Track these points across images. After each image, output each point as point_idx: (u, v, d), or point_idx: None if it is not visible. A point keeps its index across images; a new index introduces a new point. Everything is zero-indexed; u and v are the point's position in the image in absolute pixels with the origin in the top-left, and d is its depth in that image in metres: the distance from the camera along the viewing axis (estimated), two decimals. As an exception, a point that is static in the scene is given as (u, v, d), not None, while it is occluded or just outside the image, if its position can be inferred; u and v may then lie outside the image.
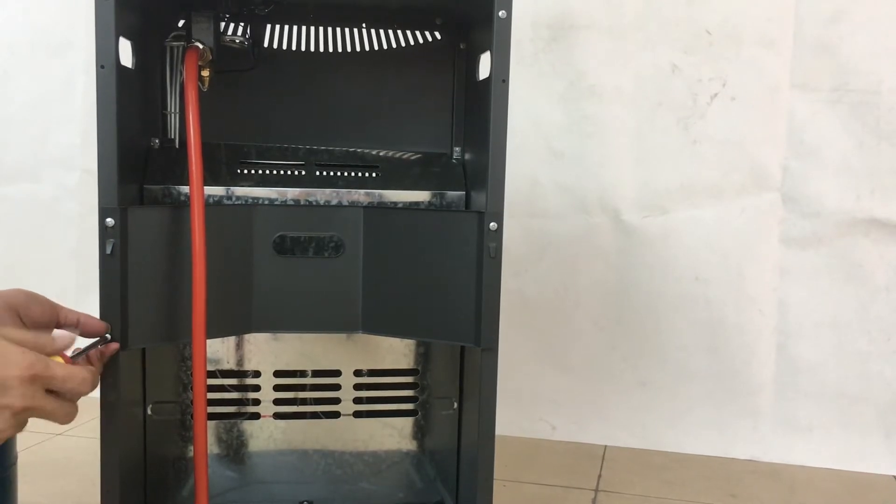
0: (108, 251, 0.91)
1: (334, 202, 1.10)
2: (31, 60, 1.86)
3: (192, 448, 1.15)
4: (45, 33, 1.85)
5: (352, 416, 1.19)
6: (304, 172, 1.11)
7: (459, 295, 1.01)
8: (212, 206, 1.07)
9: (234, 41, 1.08)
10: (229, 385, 1.15)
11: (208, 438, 1.16)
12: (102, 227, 0.92)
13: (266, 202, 1.08)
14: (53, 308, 0.84)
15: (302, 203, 1.09)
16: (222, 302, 0.99)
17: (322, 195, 1.10)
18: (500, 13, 0.96)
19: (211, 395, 1.15)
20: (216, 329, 0.98)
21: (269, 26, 1.13)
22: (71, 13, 1.83)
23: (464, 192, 1.13)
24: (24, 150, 1.88)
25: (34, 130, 1.88)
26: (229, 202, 1.08)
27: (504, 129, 0.98)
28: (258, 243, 1.03)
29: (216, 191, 1.08)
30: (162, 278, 0.96)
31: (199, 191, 0.93)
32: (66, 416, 0.71)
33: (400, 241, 1.04)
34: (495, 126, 0.98)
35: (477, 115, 1.08)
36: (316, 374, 1.17)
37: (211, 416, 1.15)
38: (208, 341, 0.96)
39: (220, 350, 1.14)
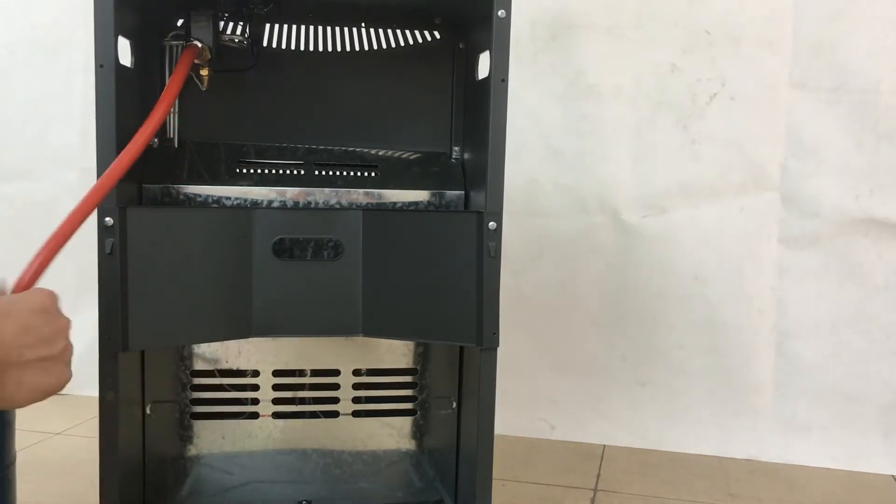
0: (107, 250, 0.91)
1: (333, 202, 1.10)
2: (29, 59, 1.86)
3: (191, 447, 1.15)
4: (44, 32, 1.85)
5: (351, 416, 1.19)
6: (303, 172, 1.11)
7: (459, 295, 1.01)
8: (212, 208, 1.07)
9: (233, 40, 1.08)
10: (228, 385, 1.15)
11: (208, 438, 1.16)
12: (101, 227, 0.92)
13: (265, 202, 1.08)
14: None
15: (301, 205, 1.09)
16: (222, 306, 0.98)
17: (321, 195, 1.10)
18: (499, 12, 0.96)
19: (210, 395, 1.15)
20: (216, 333, 0.98)
21: (268, 25, 1.12)
22: (70, 12, 1.82)
23: (463, 192, 1.13)
24: (22, 149, 1.88)
25: (33, 129, 1.87)
26: (228, 202, 1.08)
27: (503, 128, 0.98)
28: (257, 246, 1.03)
29: (216, 190, 1.08)
30: (161, 278, 0.96)
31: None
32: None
33: (399, 242, 1.04)
34: (494, 125, 0.98)
35: (476, 114, 1.08)
36: (315, 373, 1.17)
37: (210, 416, 1.15)
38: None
39: (218, 350, 1.14)
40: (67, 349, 0.72)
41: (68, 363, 0.73)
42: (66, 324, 0.73)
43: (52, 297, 0.74)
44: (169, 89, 0.96)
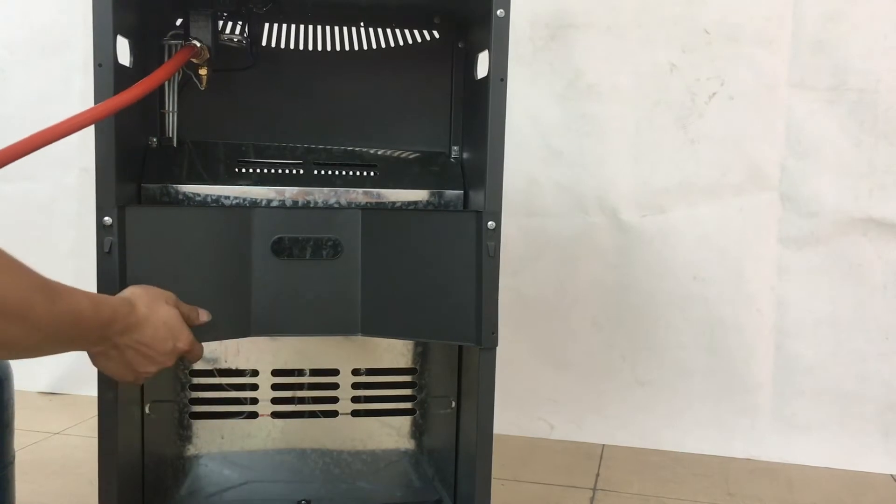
0: (106, 250, 0.91)
1: (332, 201, 1.10)
2: (28, 59, 1.86)
3: (190, 447, 1.15)
4: (42, 32, 1.85)
5: (350, 416, 1.19)
6: (302, 171, 1.11)
7: (458, 294, 1.00)
8: (211, 208, 1.07)
9: (232, 40, 1.08)
10: (227, 384, 1.15)
11: (207, 437, 1.16)
12: (100, 226, 0.92)
13: (264, 202, 1.08)
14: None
15: (300, 205, 1.09)
16: (221, 305, 0.98)
17: (320, 194, 1.10)
18: (498, 12, 0.96)
19: (209, 394, 1.15)
20: (215, 332, 0.98)
21: (267, 25, 1.12)
22: (69, 12, 1.82)
23: (462, 191, 1.13)
24: (21, 149, 1.88)
25: (33, 129, 1.87)
26: (227, 201, 1.08)
27: (502, 127, 0.98)
28: (256, 246, 1.03)
29: (215, 189, 1.07)
30: (160, 277, 0.95)
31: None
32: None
33: (398, 241, 1.03)
34: (493, 125, 0.98)
35: (475, 113, 1.08)
36: (314, 373, 1.17)
37: (209, 415, 1.15)
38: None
39: (217, 349, 1.14)
40: (148, 374, 0.87)
41: (141, 378, 0.87)
42: (163, 363, 0.87)
43: (192, 348, 0.90)
44: (156, 75, 0.95)
